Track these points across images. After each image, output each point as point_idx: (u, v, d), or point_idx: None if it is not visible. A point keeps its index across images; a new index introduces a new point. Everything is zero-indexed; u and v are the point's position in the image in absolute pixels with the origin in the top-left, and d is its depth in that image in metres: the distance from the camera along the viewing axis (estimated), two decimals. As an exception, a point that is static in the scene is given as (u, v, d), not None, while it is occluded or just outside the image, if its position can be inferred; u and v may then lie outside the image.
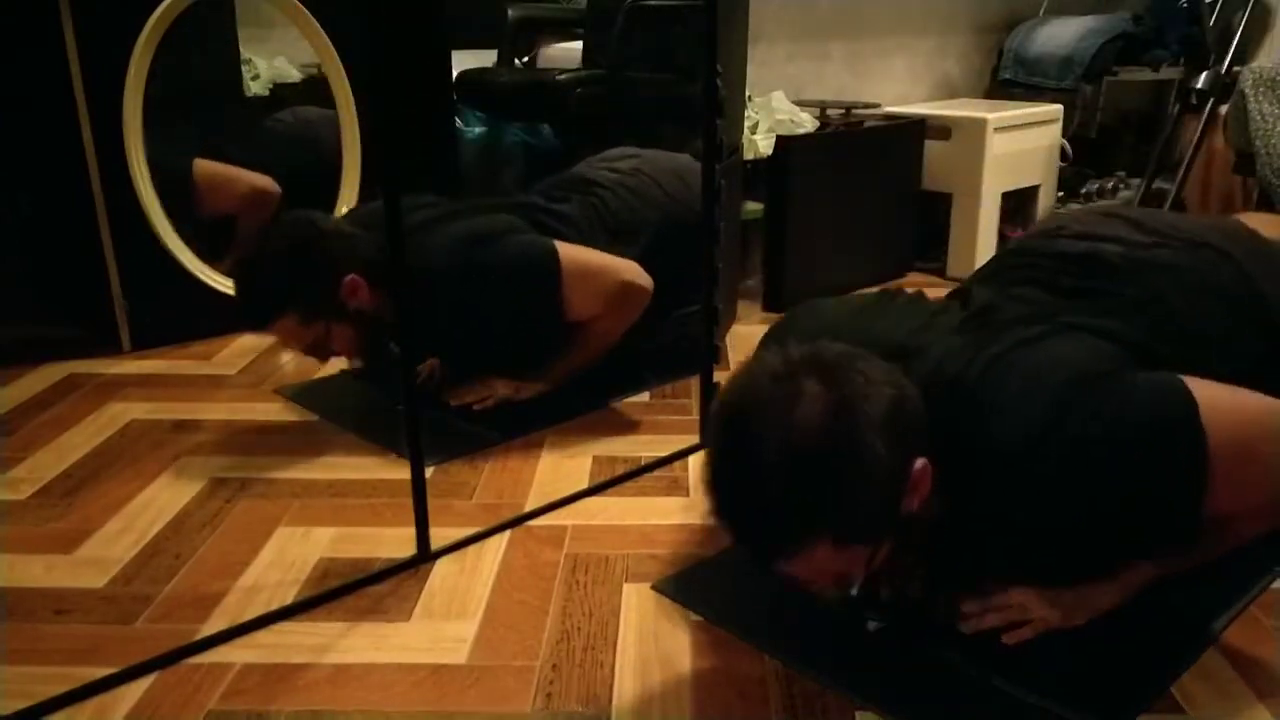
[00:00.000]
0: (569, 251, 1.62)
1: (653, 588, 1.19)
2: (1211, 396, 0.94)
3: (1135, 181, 2.96)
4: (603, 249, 1.68)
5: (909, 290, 1.22)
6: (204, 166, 2.15)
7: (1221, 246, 1.14)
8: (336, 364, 1.91)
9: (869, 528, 0.92)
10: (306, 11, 2.10)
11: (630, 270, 1.65)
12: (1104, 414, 0.93)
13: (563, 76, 2.37)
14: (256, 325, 1.59)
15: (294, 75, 2.31)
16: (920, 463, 0.93)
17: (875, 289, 1.20)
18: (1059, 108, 2.77)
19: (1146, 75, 3.08)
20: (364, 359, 1.68)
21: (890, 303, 1.17)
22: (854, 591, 0.98)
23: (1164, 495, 0.95)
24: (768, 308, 2.27)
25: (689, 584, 1.19)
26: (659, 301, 1.68)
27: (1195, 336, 1.06)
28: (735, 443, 0.93)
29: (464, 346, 1.70)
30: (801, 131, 2.40)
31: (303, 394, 1.78)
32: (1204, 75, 2.75)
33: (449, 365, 1.79)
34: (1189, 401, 0.93)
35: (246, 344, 2.04)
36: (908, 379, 0.96)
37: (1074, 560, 1.05)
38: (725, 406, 0.95)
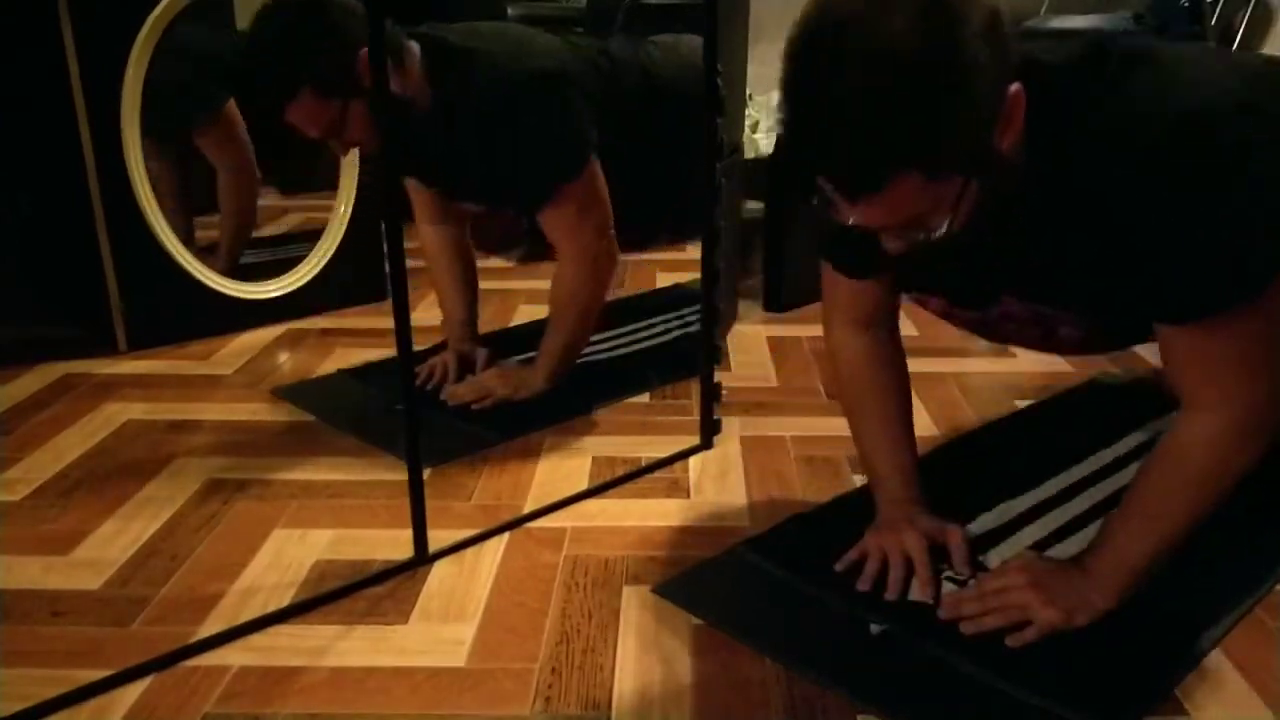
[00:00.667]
0: (595, 173, 1.60)
1: (653, 590, 1.18)
2: None
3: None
4: (634, 87, 1.68)
5: None
6: (233, 110, 2.18)
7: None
8: (335, 363, 1.91)
9: (964, 154, 0.84)
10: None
11: (612, 239, 1.66)
12: (1270, 148, 0.87)
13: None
14: (275, 103, 1.48)
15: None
16: (1015, 87, 0.85)
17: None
18: (1060, 107, 2.76)
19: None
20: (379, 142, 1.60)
21: None
22: (942, 231, 0.88)
23: (1258, 240, 0.90)
24: (768, 308, 2.27)
25: (689, 586, 1.18)
26: (667, 176, 1.66)
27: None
28: (821, 53, 0.83)
29: (456, 156, 1.63)
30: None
31: (299, 394, 1.78)
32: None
33: (442, 193, 1.76)
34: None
35: (243, 344, 2.04)
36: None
37: (1135, 282, 0.96)
38: (806, 18, 0.85)
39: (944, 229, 0.89)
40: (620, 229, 1.69)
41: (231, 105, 2.20)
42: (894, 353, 1.26)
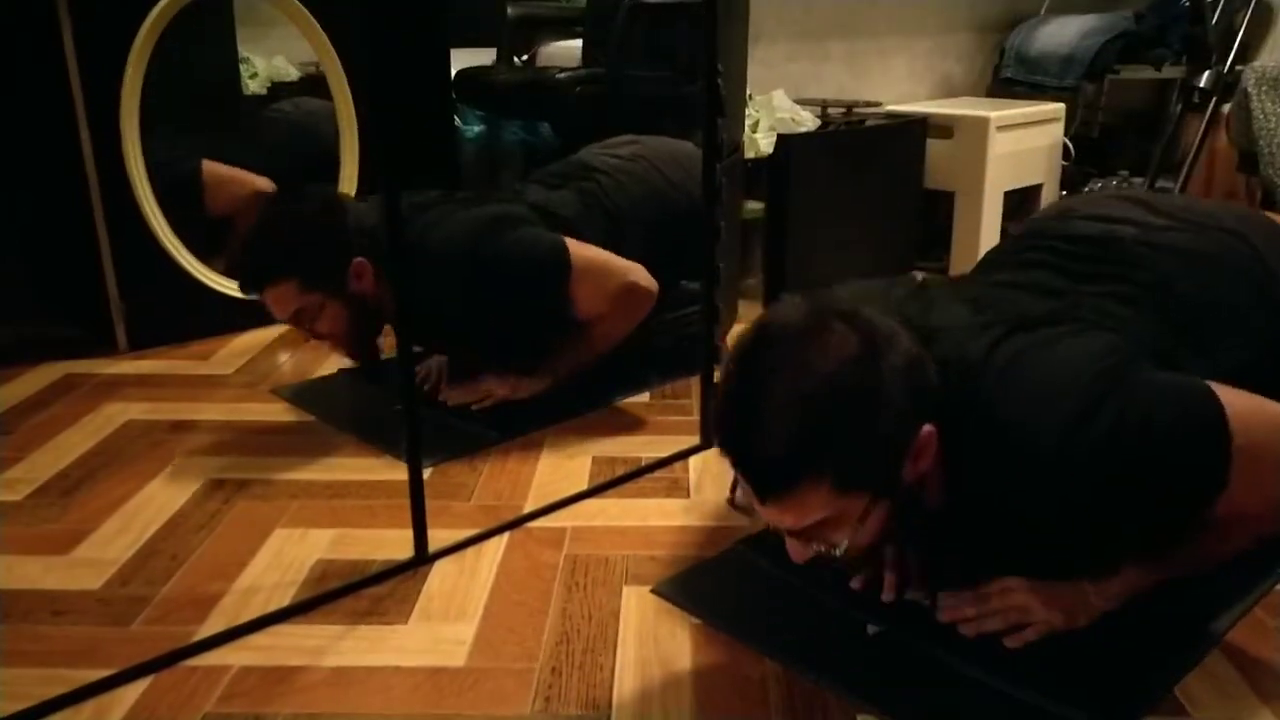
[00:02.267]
0: (579, 249, 1.61)
1: (653, 591, 1.18)
2: (1230, 398, 0.94)
3: (1138, 180, 2.95)
4: (600, 235, 1.67)
5: (914, 277, 1.22)
6: (212, 169, 2.15)
7: (1234, 228, 1.14)
8: (335, 363, 1.91)
9: (871, 473, 0.91)
10: (305, 10, 2.09)
11: (636, 272, 1.64)
12: (1133, 411, 0.93)
13: (562, 75, 2.36)
14: (257, 282, 1.55)
15: (292, 74, 2.30)
16: (928, 429, 0.93)
17: (876, 282, 1.19)
18: (1061, 106, 2.76)
19: (1148, 74, 3.07)
20: (349, 349, 1.66)
21: (894, 291, 1.15)
22: (839, 552, 0.96)
23: (1186, 491, 0.94)
24: (768, 307, 2.26)
25: (689, 586, 1.18)
26: (659, 291, 1.67)
27: (1209, 320, 1.06)
28: (751, 367, 0.92)
29: (465, 336, 1.69)
30: (803, 130, 2.40)
31: (300, 394, 1.78)
32: (1206, 74, 2.75)
33: (448, 354, 1.78)
34: (1215, 401, 0.93)
35: (244, 344, 2.04)
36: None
37: (1079, 554, 1.04)
38: (747, 335, 0.95)
39: (844, 543, 0.95)
40: None
41: (205, 168, 2.18)
42: None
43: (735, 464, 0.94)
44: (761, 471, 0.92)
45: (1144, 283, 1.08)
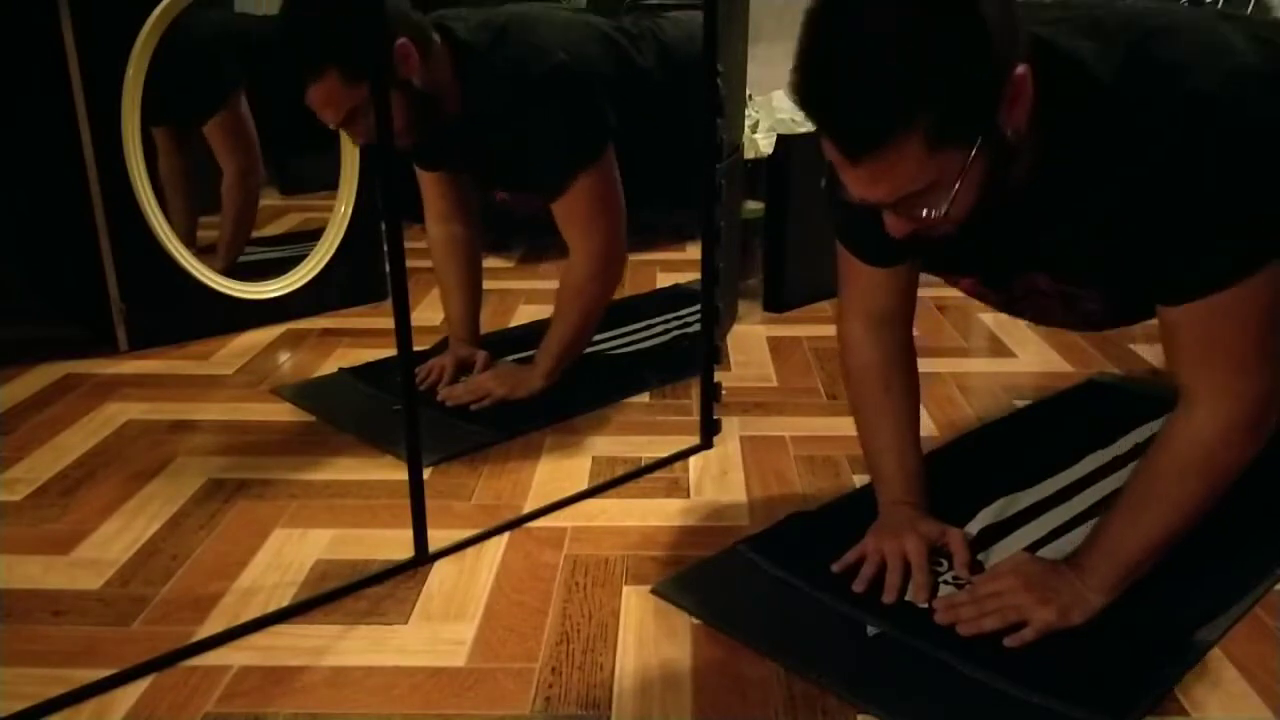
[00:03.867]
0: (610, 167, 1.61)
1: (653, 591, 1.18)
2: None
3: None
4: (649, 61, 1.68)
5: None
6: (243, 104, 2.17)
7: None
8: (335, 363, 1.91)
9: (968, 121, 0.85)
10: (305, 10, 2.09)
11: (622, 244, 1.66)
12: (1260, 121, 0.88)
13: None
14: (297, 79, 1.45)
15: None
16: (1022, 69, 0.85)
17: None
18: (1060, 107, 2.76)
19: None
20: (411, 137, 1.56)
21: None
22: (939, 213, 0.88)
23: (1248, 229, 0.91)
24: (768, 308, 2.27)
25: (689, 586, 1.18)
26: (679, 151, 1.67)
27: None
28: (835, 12, 0.84)
29: (479, 143, 1.64)
30: (802, 130, 2.40)
31: (300, 393, 1.78)
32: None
33: (452, 160, 1.75)
34: None
35: (244, 344, 2.04)
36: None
37: (1156, 251, 0.97)
38: None
39: (945, 209, 0.89)
40: (638, 202, 1.69)
41: (241, 99, 2.20)
42: (906, 354, 1.25)
43: (820, 122, 0.87)
44: (850, 127, 0.85)
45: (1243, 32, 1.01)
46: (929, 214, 0.90)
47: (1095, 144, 0.93)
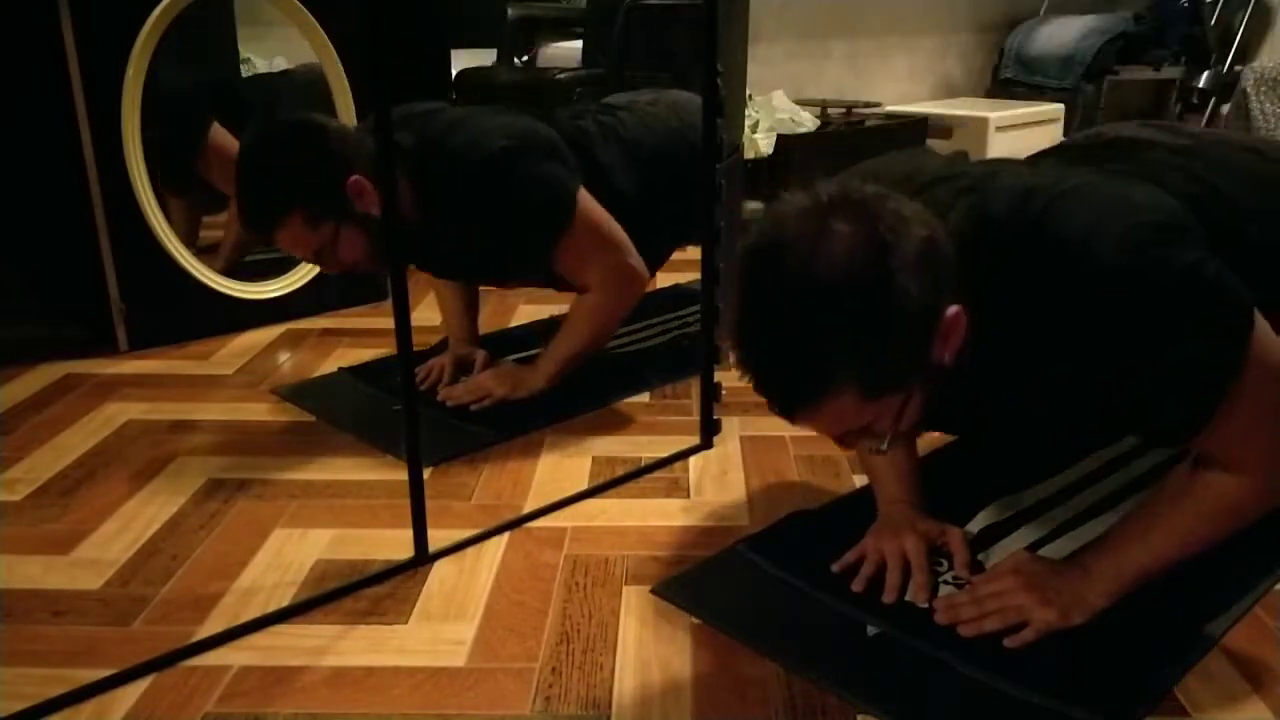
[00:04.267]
0: (588, 207, 1.61)
1: (652, 591, 1.18)
2: (1265, 330, 0.93)
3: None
4: (617, 161, 1.68)
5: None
6: (220, 134, 2.15)
7: (1259, 148, 1.13)
8: (335, 362, 1.91)
9: (898, 376, 0.88)
10: (305, 10, 2.10)
11: (635, 256, 1.65)
12: (1180, 262, 0.89)
13: (562, 76, 2.37)
14: (264, 227, 1.51)
15: (293, 74, 2.31)
16: (954, 309, 0.88)
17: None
18: (1060, 107, 2.77)
19: (1148, 74, 3.08)
20: (373, 267, 1.60)
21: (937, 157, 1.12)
22: (884, 447, 0.93)
23: (1202, 364, 0.92)
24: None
25: (688, 586, 1.18)
26: (662, 230, 1.67)
27: (1233, 213, 1.04)
28: (758, 284, 0.89)
29: (450, 244, 1.64)
30: (802, 130, 2.40)
31: (299, 393, 1.78)
32: (1205, 75, 2.75)
33: (432, 269, 1.74)
34: (1250, 309, 0.92)
35: (244, 344, 2.04)
36: (955, 211, 0.93)
37: (1092, 416, 1.00)
38: (749, 247, 0.90)
39: (888, 436, 0.94)
40: None
41: (214, 131, 2.18)
42: None
43: (755, 388, 0.91)
44: (782, 394, 0.90)
45: (1175, 168, 1.05)
46: (872, 443, 0.95)
47: (1018, 321, 0.95)
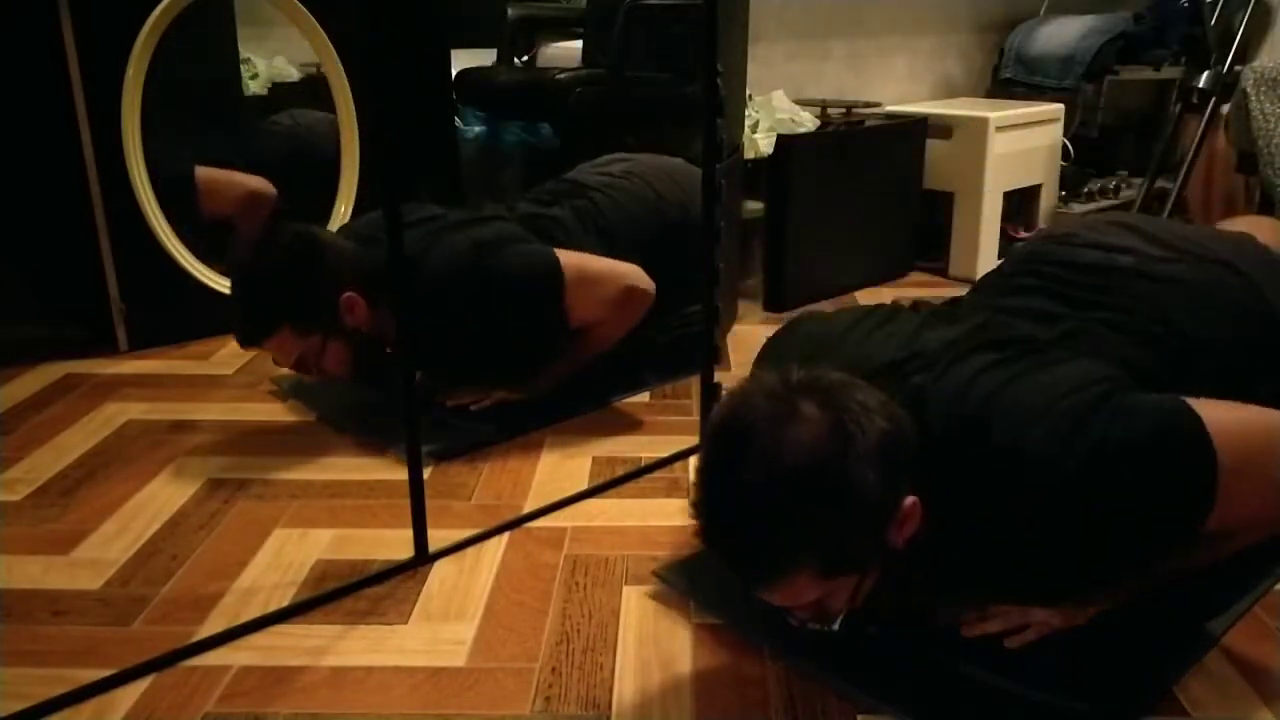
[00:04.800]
0: (571, 259, 1.61)
1: (654, 573, 1.19)
2: (1214, 413, 0.94)
3: (1137, 181, 2.95)
4: (595, 252, 1.68)
5: (903, 303, 1.22)
6: (204, 173, 2.15)
7: (1232, 261, 1.15)
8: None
9: (854, 559, 0.93)
10: (306, 10, 2.10)
11: (633, 274, 1.65)
12: (1116, 430, 0.93)
13: (562, 76, 2.36)
14: (253, 337, 1.55)
15: (293, 74, 2.30)
16: (910, 500, 0.93)
17: (866, 305, 1.20)
18: (1060, 107, 2.76)
19: (1148, 74, 3.07)
20: (351, 377, 1.64)
21: (885, 318, 1.15)
22: (835, 626, 0.98)
23: (1175, 508, 0.94)
24: (768, 308, 2.27)
25: (691, 574, 1.18)
26: (656, 303, 1.68)
27: (1200, 351, 1.07)
28: (724, 462, 0.93)
29: (463, 357, 1.67)
30: (802, 130, 2.40)
31: (299, 388, 1.78)
32: (1205, 74, 2.74)
33: (449, 380, 1.74)
34: (1195, 417, 0.94)
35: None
36: (901, 405, 0.95)
37: (1069, 577, 1.03)
38: (718, 424, 0.95)
39: (844, 610, 0.97)
40: None
41: (199, 171, 2.16)
42: None
43: (719, 559, 0.95)
44: (744, 568, 0.94)
45: (1142, 313, 1.09)
46: (828, 615, 0.98)
47: (968, 516, 0.97)
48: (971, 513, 0.97)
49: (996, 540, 0.98)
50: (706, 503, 0.94)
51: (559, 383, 1.72)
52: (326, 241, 1.60)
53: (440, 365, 1.70)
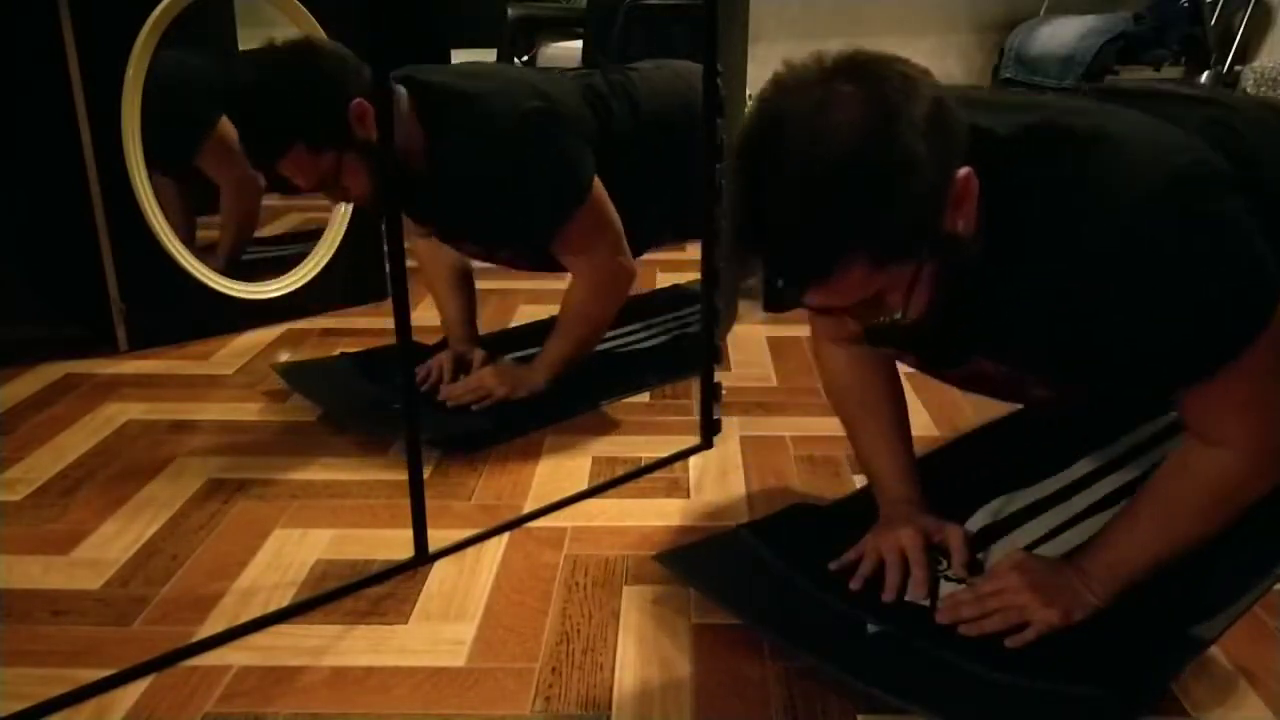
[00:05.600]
0: (600, 197, 1.61)
1: (655, 558, 1.19)
2: None
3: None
4: (624, 117, 1.69)
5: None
6: (227, 126, 2.16)
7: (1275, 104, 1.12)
8: (334, 352, 1.90)
9: (909, 242, 0.85)
10: (306, 11, 2.10)
11: (626, 254, 1.67)
12: (1210, 214, 0.88)
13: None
14: (266, 158, 1.47)
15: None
16: (964, 171, 0.86)
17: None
18: (1060, 107, 2.77)
19: (1148, 75, 3.08)
20: (377, 200, 1.55)
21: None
22: (898, 316, 0.90)
23: (1237, 305, 0.90)
24: (768, 308, 2.26)
25: (692, 560, 1.19)
26: (664, 194, 1.67)
27: (1257, 161, 1.01)
28: (761, 154, 0.86)
29: (454, 198, 1.61)
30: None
31: (297, 374, 1.80)
32: (1205, 75, 2.75)
33: (437, 228, 1.72)
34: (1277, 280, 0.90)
35: (244, 344, 2.04)
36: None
37: (1119, 351, 0.97)
38: (751, 116, 0.87)
39: (900, 311, 0.90)
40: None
41: (224, 122, 2.18)
42: (885, 365, 1.25)
43: (766, 260, 0.89)
44: (792, 265, 0.87)
45: (1210, 121, 1.02)
46: (885, 318, 0.91)
47: (1037, 237, 0.93)
48: (1033, 244, 0.92)
49: (1055, 282, 0.93)
50: (745, 200, 0.87)
51: (555, 378, 1.72)
52: (325, 49, 1.52)
53: (434, 201, 1.63)
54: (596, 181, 1.62)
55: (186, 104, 2.12)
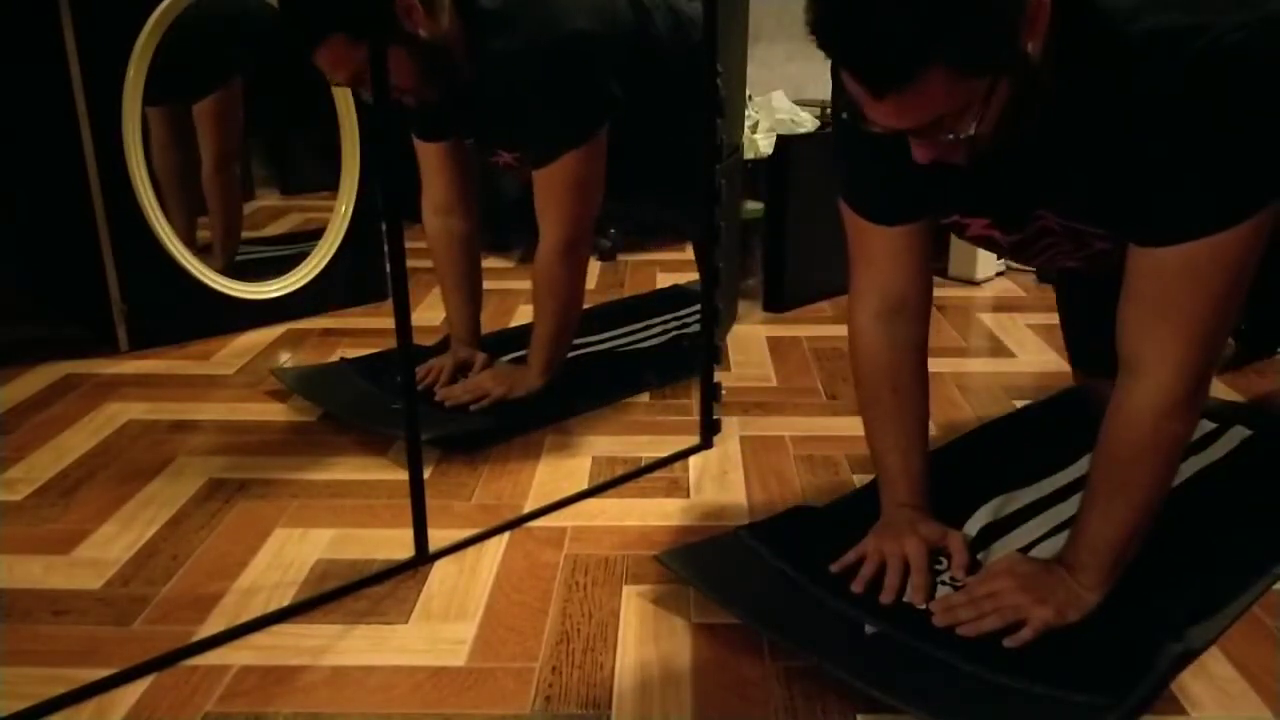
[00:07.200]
0: (597, 154, 1.60)
1: (656, 558, 1.19)
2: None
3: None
4: (663, 32, 1.68)
5: None
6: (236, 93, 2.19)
7: None
8: (334, 352, 1.91)
9: (988, 57, 0.87)
10: (305, 10, 2.09)
11: (589, 233, 1.67)
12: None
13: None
14: (305, 43, 1.44)
15: (293, 74, 2.31)
16: None
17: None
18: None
19: (1147, 74, 3.08)
20: (422, 93, 1.55)
21: None
22: (965, 134, 0.90)
23: (1249, 168, 0.92)
24: (768, 308, 2.27)
25: (693, 560, 1.19)
26: (669, 128, 1.66)
27: None
28: None
29: (479, 107, 1.62)
30: (802, 131, 2.40)
31: (296, 378, 1.80)
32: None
33: (466, 123, 1.72)
34: None
35: (244, 344, 2.04)
36: None
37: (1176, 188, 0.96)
38: None
39: (972, 130, 0.90)
40: (638, 191, 1.70)
41: (237, 83, 2.19)
42: (919, 354, 1.23)
43: (845, 62, 0.88)
44: (876, 65, 0.87)
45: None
46: (956, 137, 0.91)
47: (1106, 79, 0.94)
48: (1095, 73, 0.93)
49: (1114, 115, 0.94)
50: (831, 2, 0.87)
51: (551, 375, 1.72)
52: None
53: (474, 103, 1.63)
54: (601, 143, 1.59)
55: (218, 44, 2.11)
